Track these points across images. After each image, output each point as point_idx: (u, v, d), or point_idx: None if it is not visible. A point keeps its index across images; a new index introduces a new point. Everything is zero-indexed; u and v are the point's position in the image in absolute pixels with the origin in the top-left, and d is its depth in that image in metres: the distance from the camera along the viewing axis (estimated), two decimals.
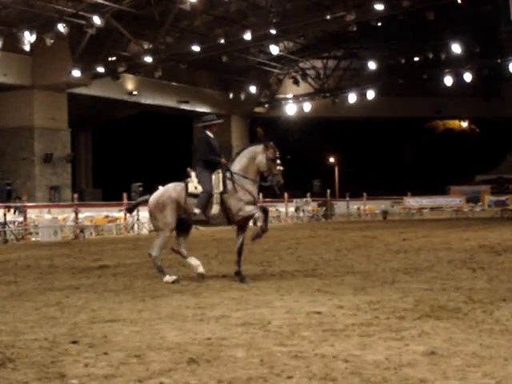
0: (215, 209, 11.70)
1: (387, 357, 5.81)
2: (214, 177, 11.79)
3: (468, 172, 60.40)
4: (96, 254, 19.20)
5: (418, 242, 20.47)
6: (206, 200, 11.69)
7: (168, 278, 11.47)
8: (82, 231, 30.29)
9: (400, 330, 6.96)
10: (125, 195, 33.19)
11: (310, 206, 46.21)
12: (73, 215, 30.53)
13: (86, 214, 32.07)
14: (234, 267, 11.91)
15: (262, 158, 11.83)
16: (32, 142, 42.02)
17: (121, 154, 62.79)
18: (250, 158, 11.91)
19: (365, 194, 48.49)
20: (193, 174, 11.98)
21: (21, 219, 29.18)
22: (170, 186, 12.14)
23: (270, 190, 12.75)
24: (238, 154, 12.19)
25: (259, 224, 12.02)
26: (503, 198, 48.99)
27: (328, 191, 49.17)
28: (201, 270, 11.76)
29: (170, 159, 61.24)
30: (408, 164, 68.82)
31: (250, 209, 11.70)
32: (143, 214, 31.42)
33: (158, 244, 11.88)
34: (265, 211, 11.87)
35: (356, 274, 12.10)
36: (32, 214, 30.69)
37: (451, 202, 50.51)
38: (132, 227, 33.21)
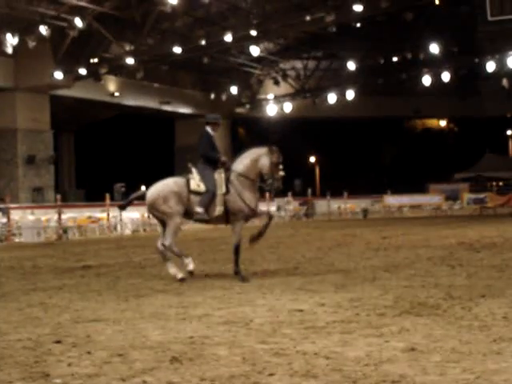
0: (219, 210, 11.70)
1: (368, 353, 5.88)
2: (216, 176, 11.78)
3: (447, 170, 60.62)
4: (79, 254, 19.18)
5: (397, 240, 20.58)
6: (209, 200, 11.66)
7: (188, 262, 11.60)
8: (65, 232, 30.20)
9: (380, 326, 7.04)
10: (107, 196, 33.14)
11: (292, 205, 46.28)
12: (56, 216, 30.43)
13: (69, 215, 31.97)
14: (232, 267, 11.88)
15: (265, 161, 11.86)
16: (15, 144, 41.77)
17: (103, 155, 62.62)
18: (253, 159, 11.91)
19: (345, 193, 48.63)
20: (194, 169, 11.94)
21: (4, 220, 29.08)
22: (170, 180, 12.06)
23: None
24: (240, 154, 12.19)
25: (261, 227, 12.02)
26: (482, 195, 49.21)
27: (309, 190, 49.29)
28: (187, 269, 11.72)
29: (152, 160, 61.17)
30: (388, 163, 69.07)
31: (237, 232, 11.76)
32: (126, 214, 31.40)
33: (169, 233, 11.78)
34: (270, 217, 12.00)
35: (337, 272, 12.18)
36: (15, 215, 30.57)
37: (430, 200, 50.69)
38: (115, 228, 33.16)
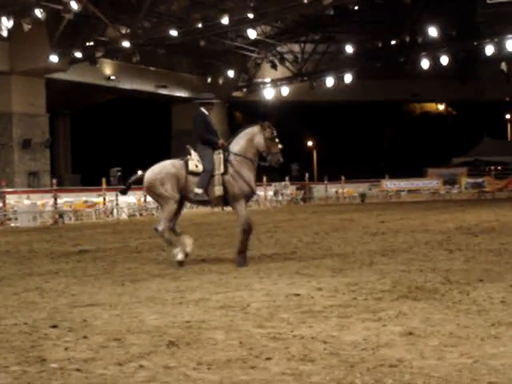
0: (219, 190, 11.52)
1: (365, 337, 5.86)
2: (215, 156, 11.65)
3: (445, 154, 60.71)
4: (75, 239, 19.15)
5: (395, 224, 20.58)
6: (207, 179, 11.52)
7: (177, 251, 11.36)
8: (61, 216, 30.16)
9: (378, 311, 7.02)
10: (103, 180, 33.09)
11: (289, 189, 46.28)
12: (52, 200, 30.39)
13: (65, 200, 31.90)
14: (237, 247, 11.66)
15: (260, 138, 11.75)
16: (10, 128, 41.70)
17: (99, 139, 62.63)
18: (248, 139, 11.79)
19: (343, 178, 48.64)
20: (192, 151, 11.81)
21: (0, 205, 29.02)
22: (168, 162, 11.92)
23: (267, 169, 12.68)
24: (235, 136, 12.05)
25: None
26: (480, 180, 49.32)
27: (306, 175, 49.28)
28: (189, 249, 11.58)
29: (148, 144, 61.15)
30: (385, 147, 69.11)
31: (239, 212, 11.58)
32: (122, 198, 31.36)
33: (163, 217, 11.66)
34: (246, 232, 11.57)
35: (334, 257, 12.16)
36: (11, 199, 30.52)
37: (428, 184, 50.74)
38: (111, 212, 33.13)
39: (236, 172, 11.58)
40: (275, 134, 11.85)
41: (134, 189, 16.09)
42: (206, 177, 11.54)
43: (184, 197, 11.82)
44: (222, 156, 11.65)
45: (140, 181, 12.09)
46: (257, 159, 11.87)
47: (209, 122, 12.08)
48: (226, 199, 11.74)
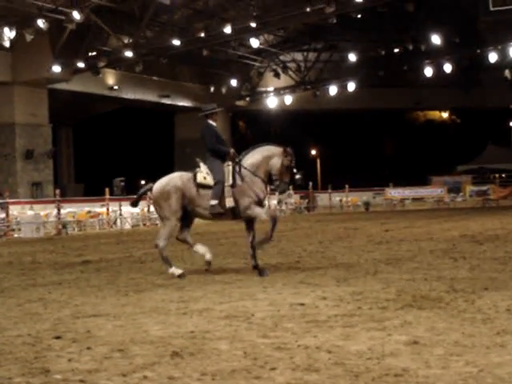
0: (229, 202, 11.41)
1: (370, 347, 5.83)
2: (225, 168, 11.55)
3: (449, 162, 60.70)
4: (79, 249, 19.15)
5: (399, 233, 20.55)
6: (220, 190, 11.39)
7: (174, 270, 11.23)
8: (64, 227, 30.18)
9: (382, 320, 6.99)
10: (107, 190, 33.11)
11: (293, 198, 46.26)
12: (55, 211, 30.42)
13: (69, 210, 31.96)
14: (251, 262, 11.63)
15: (277, 162, 11.57)
16: (13, 139, 41.80)
17: (102, 149, 62.72)
18: (266, 156, 11.62)
19: (347, 186, 48.62)
20: (202, 164, 11.69)
21: (3, 216, 29.06)
22: (176, 174, 11.83)
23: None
24: (254, 148, 11.88)
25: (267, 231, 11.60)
26: (484, 187, 49.26)
27: (310, 183, 49.26)
28: (208, 257, 11.54)
29: (151, 153, 61.22)
30: (389, 155, 69.11)
31: (258, 211, 11.44)
32: (125, 209, 31.38)
33: (164, 234, 11.56)
34: (274, 220, 11.52)
35: (339, 266, 12.13)
36: (14, 210, 30.59)
37: (433, 192, 50.70)
38: (115, 222, 33.14)
39: (243, 187, 11.50)
40: (293, 164, 11.70)
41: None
42: (219, 188, 11.42)
43: (192, 210, 11.70)
44: (231, 168, 11.57)
45: (151, 191, 12.04)
46: (266, 179, 11.70)
47: (218, 132, 12.03)
48: (234, 212, 11.61)
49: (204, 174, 11.55)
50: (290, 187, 45.60)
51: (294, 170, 11.72)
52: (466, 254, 13.39)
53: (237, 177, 11.53)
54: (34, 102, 42.35)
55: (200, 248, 11.70)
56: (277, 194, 44.47)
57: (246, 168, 11.58)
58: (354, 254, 14.19)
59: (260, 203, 11.64)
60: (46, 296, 9.65)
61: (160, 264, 13.00)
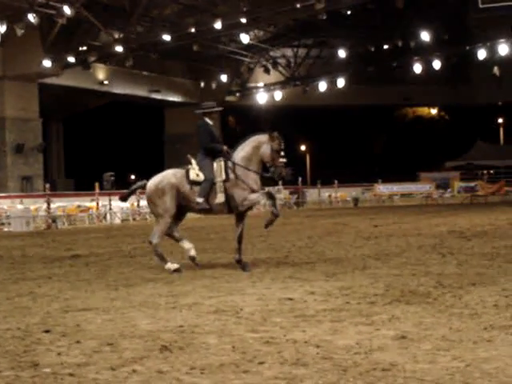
0: (220, 197, 11.43)
1: (358, 341, 5.87)
2: (215, 165, 11.56)
3: (438, 159, 60.82)
4: (68, 243, 19.11)
5: (388, 229, 20.59)
6: (208, 188, 11.45)
7: (170, 266, 11.24)
8: (54, 221, 30.08)
9: (371, 314, 7.04)
10: (97, 185, 33.04)
11: (282, 193, 46.22)
12: (45, 205, 30.31)
13: (58, 204, 31.83)
14: (235, 255, 11.60)
15: (266, 149, 11.59)
16: (3, 133, 41.67)
17: (92, 144, 62.55)
18: (254, 147, 11.66)
19: (336, 182, 48.62)
20: (193, 161, 11.73)
21: None
22: (170, 171, 11.88)
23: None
24: (242, 141, 11.92)
25: (269, 209, 11.81)
26: (472, 184, 49.37)
27: (299, 179, 49.25)
28: (192, 253, 11.54)
29: (141, 148, 61.09)
30: (378, 151, 69.19)
31: (254, 196, 11.50)
32: (115, 203, 31.32)
33: (158, 231, 11.59)
34: (271, 196, 11.74)
35: (327, 261, 12.17)
36: (4, 204, 30.48)
37: (421, 188, 50.81)
38: (104, 217, 33.08)
39: (237, 180, 11.53)
40: (283, 146, 11.71)
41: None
42: (206, 186, 11.47)
43: (186, 206, 11.77)
44: (223, 163, 11.58)
45: (143, 188, 12.05)
46: (260, 169, 11.73)
47: (213, 131, 12.08)
48: (229, 206, 11.65)
49: (196, 171, 11.60)
50: (280, 183, 45.75)
51: (282, 153, 11.69)
52: (454, 249, 13.44)
53: (229, 172, 11.54)
54: (24, 97, 42.24)
55: (186, 244, 11.73)
56: (266, 189, 44.58)
57: (238, 163, 11.58)
58: (343, 250, 14.22)
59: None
60: (35, 290, 9.65)
61: (149, 258, 13.03)
